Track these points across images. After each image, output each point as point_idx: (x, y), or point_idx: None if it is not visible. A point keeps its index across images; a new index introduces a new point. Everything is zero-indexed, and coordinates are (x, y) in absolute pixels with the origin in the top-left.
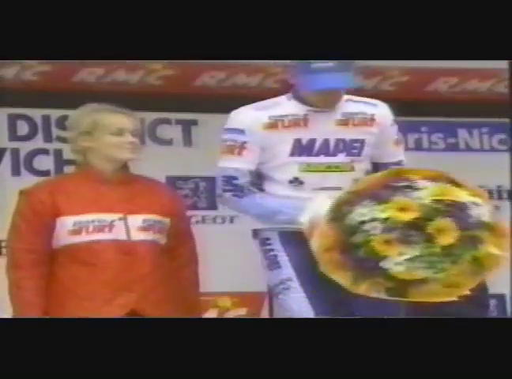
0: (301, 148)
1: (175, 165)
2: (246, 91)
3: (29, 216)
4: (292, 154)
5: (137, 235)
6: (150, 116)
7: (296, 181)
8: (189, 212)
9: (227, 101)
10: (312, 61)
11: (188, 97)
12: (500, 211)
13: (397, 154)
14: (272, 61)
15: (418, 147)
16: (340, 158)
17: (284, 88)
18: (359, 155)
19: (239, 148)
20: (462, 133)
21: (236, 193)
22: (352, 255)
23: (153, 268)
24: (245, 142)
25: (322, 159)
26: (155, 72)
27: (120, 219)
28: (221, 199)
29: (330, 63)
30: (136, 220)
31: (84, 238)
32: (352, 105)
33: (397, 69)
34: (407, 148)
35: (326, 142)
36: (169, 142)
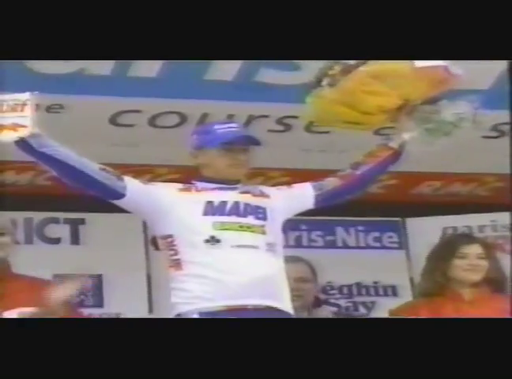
0: (213, 209)
1: (63, 263)
2: None
3: None
4: (205, 214)
5: None
6: (38, 216)
7: (213, 240)
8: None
9: None
10: (215, 123)
11: (76, 197)
12: (376, 308)
13: (305, 186)
14: (168, 164)
15: (298, 244)
16: (250, 220)
17: None
18: (265, 219)
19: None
20: (340, 231)
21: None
22: None
23: None
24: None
25: (234, 218)
26: (45, 173)
27: None
28: None
29: (233, 124)
30: (11, 315)
31: None
32: (249, 186)
33: (277, 171)
34: (287, 246)
35: (237, 204)
36: (57, 241)
